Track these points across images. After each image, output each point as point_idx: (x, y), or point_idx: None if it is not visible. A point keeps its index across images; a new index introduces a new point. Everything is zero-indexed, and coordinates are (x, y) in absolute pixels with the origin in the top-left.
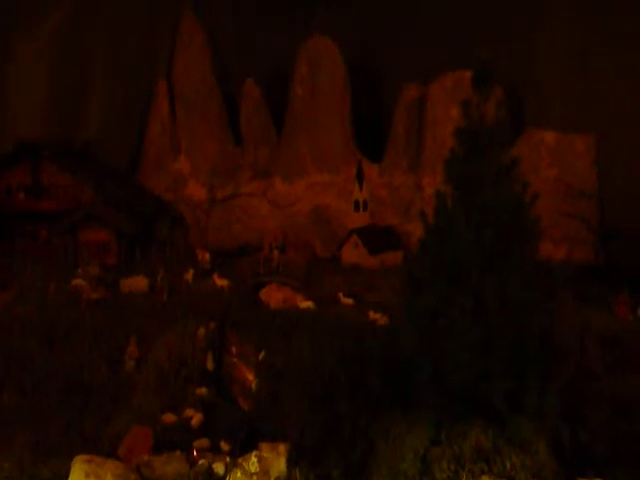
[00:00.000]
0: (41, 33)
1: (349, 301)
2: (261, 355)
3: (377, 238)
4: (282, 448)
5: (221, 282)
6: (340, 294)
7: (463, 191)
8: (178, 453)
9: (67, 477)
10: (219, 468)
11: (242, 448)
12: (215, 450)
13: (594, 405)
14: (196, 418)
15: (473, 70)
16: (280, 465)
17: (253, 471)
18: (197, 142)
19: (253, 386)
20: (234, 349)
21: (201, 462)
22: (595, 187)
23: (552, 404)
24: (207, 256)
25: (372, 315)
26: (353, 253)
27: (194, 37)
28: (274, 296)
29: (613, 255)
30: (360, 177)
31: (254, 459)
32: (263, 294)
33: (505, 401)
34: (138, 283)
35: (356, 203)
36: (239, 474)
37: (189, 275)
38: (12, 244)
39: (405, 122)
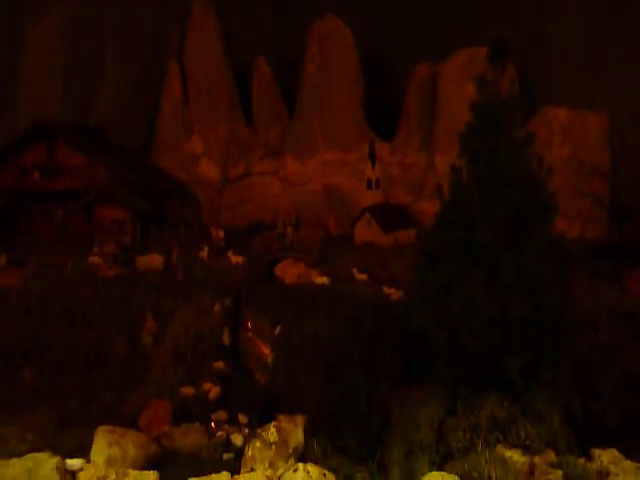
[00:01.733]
0: (54, 17)
1: (363, 277)
2: (277, 330)
3: (390, 216)
4: (300, 419)
5: (236, 259)
6: (354, 270)
7: (478, 165)
8: (197, 425)
9: (89, 447)
10: (237, 439)
11: (260, 420)
12: (233, 422)
13: (606, 378)
14: (214, 391)
15: (489, 45)
16: (298, 436)
17: (272, 441)
18: (209, 122)
19: (269, 360)
20: (250, 324)
21: (219, 433)
22: (608, 165)
23: (566, 376)
24: (221, 234)
25: (386, 290)
26: (366, 231)
27: (205, 18)
28: (289, 272)
29: (626, 233)
30: (373, 156)
31: (273, 429)
32: (278, 270)
33: (521, 373)
34: (153, 261)
35: (369, 181)
36: (258, 444)
37: (204, 253)
38: (28, 223)
39: (417, 100)
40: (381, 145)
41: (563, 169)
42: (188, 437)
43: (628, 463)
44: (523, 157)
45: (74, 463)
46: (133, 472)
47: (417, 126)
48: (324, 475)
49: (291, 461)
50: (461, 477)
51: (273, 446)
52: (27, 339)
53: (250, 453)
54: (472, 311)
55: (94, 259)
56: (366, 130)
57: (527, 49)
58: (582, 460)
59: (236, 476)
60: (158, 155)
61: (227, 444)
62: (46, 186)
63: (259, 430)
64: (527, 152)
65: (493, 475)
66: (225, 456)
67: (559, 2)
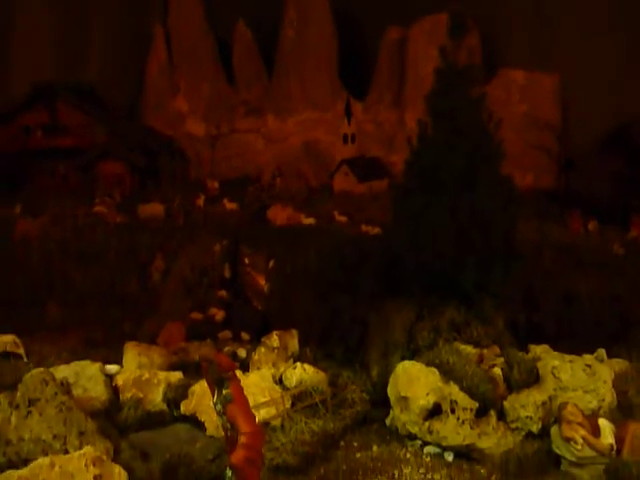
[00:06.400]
0: None
1: (343, 219)
2: (271, 263)
3: (365, 167)
4: (294, 332)
5: (231, 206)
6: (335, 213)
7: (441, 121)
8: (208, 341)
9: (115, 361)
10: (242, 352)
11: (259, 337)
12: (237, 339)
13: (547, 296)
14: (219, 315)
15: (450, 21)
16: (294, 344)
17: (275, 346)
18: (193, 82)
19: (265, 289)
20: (247, 260)
21: (227, 348)
22: (559, 121)
23: (511, 288)
24: (216, 184)
25: (364, 228)
26: (344, 181)
27: None
28: (280, 215)
29: (570, 181)
30: (349, 113)
31: (275, 337)
32: (270, 214)
33: (474, 286)
34: (154, 209)
35: (344, 136)
36: (263, 349)
37: (200, 201)
38: (32, 179)
39: (387, 62)
40: (355, 103)
41: (520, 125)
42: (201, 351)
43: (555, 353)
44: (477, 113)
45: (111, 367)
46: (162, 373)
47: (388, 85)
48: (317, 372)
49: (290, 362)
50: (426, 364)
51: (275, 350)
52: (50, 279)
53: (256, 357)
54: (436, 237)
55: (99, 209)
56: (340, 90)
57: (490, 16)
58: (522, 353)
59: (247, 373)
60: (146, 114)
61: (234, 356)
62: (48, 143)
63: (263, 338)
64: (480, 109)
65: (451, 361)
66: None
67: None
